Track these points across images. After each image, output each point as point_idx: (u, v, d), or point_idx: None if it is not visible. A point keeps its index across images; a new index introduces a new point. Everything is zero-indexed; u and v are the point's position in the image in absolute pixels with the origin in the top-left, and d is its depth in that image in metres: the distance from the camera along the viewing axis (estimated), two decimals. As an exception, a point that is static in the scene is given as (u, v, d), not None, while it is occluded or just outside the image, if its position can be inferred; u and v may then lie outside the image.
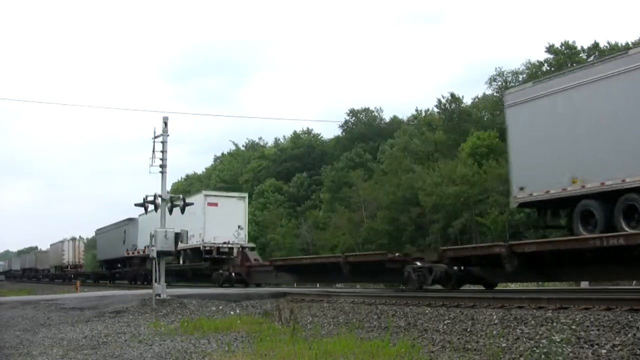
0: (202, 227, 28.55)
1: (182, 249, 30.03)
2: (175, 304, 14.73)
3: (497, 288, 19.30)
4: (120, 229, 43.05)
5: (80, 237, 72.55)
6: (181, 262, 31.32)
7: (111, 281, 44.93)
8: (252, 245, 30.09)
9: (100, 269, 51.47)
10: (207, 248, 28.22)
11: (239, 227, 28.91)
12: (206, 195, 30.14)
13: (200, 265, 29.21)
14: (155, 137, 16.21)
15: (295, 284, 25.50)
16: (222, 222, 28.64)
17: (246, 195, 33.31)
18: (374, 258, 18.16)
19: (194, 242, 28.93)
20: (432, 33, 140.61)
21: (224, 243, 28.35)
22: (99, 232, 53.33)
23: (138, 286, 33.65)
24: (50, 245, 64.30)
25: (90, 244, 73.75)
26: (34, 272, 68.24)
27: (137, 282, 37.31)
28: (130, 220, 41.01)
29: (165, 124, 16.17)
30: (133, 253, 39.16)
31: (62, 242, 59.38)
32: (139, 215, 37.66)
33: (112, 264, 46.17)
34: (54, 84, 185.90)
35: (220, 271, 26.54)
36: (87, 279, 51.75)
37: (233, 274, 25.64)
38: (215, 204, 29.34)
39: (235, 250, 27.94)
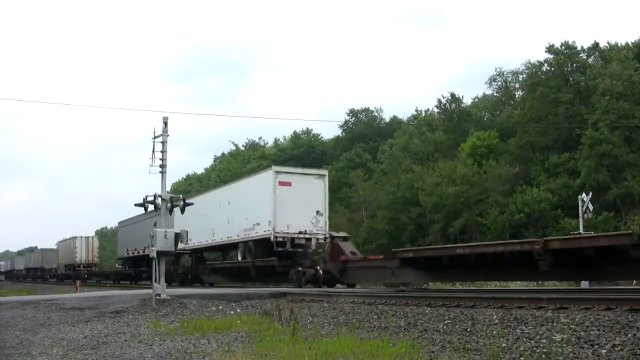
0: (272, 213, 22.89)
1: (242, 240, 25.44)
2: (175, 304, 14.70)
3: (497, 288, 19.23)
4: (149, 220, 35.83)
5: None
6: (240, 257, 26.01)
7: (135, 282, 38.84)
8: (344, 234, 24.51)
9: (123, 268, 44.56)
10: (279, 239, 22.58)
11: (317, 212, 23.23)
12: (277, 173, 23.87)
13: (270, 262, 23.47)
14: (155, 137, 16.17)
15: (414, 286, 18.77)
16: (297, 206, 23.05)
17: (326, 172, 26.20)
18: (604, 242, 11.38)
19: (260, 231, 23.86)
20: (433, 33, 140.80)
21: (300, 233, 22.69)
22: (121, 225, 46.41)
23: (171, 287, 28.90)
24: (59, 242, 60.27)
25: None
26: (40, 271, 63.17)
27: (171, 282, 31.73)
28: None
29: (165, 124, 16.13)
30: None
31: (74, 238, 54.82)
32: (173, 205, 32.52)
33: (137, 262, 38.78)
34: (54, 84, 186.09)
35: (300, 268, 21.49)
36: (104, 279, 46.40)
37: (321, 272, 20.64)
38: (288, 184, 23.49)
39: (313, 242, 22.56)
